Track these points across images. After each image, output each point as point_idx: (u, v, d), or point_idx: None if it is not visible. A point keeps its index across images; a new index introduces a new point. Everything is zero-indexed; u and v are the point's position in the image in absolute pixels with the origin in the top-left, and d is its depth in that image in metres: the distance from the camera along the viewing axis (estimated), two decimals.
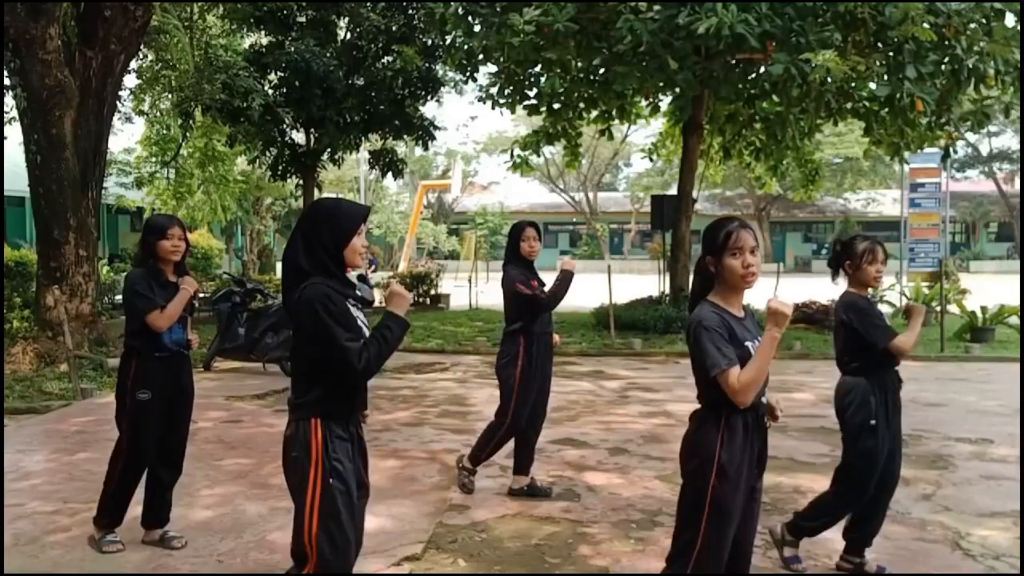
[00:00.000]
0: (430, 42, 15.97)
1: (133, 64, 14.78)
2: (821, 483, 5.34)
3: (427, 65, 16.03)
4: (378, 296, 19.09)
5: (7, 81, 10.80)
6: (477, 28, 11.47)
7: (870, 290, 3.99)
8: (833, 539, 4.29)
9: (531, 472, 5.26)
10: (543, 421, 5.32)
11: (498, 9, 10.71)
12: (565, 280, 5.00)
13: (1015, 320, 12.75)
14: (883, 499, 3.98)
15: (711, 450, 2.74)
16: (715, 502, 2.72)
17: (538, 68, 12.16)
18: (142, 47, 14.01)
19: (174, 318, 4.15)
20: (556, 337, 5.32)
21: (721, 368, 2.67)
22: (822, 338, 12.38)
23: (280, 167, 16.90)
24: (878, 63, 10.24)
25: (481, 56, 11.86)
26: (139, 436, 4.16)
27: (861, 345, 3.86)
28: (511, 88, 12.41)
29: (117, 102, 13.46)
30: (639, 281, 19.86)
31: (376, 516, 4.79)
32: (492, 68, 12.64)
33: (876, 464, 3.85)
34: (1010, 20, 10.66)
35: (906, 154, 13.45)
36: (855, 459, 3.89)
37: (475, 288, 18.93)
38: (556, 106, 13.12)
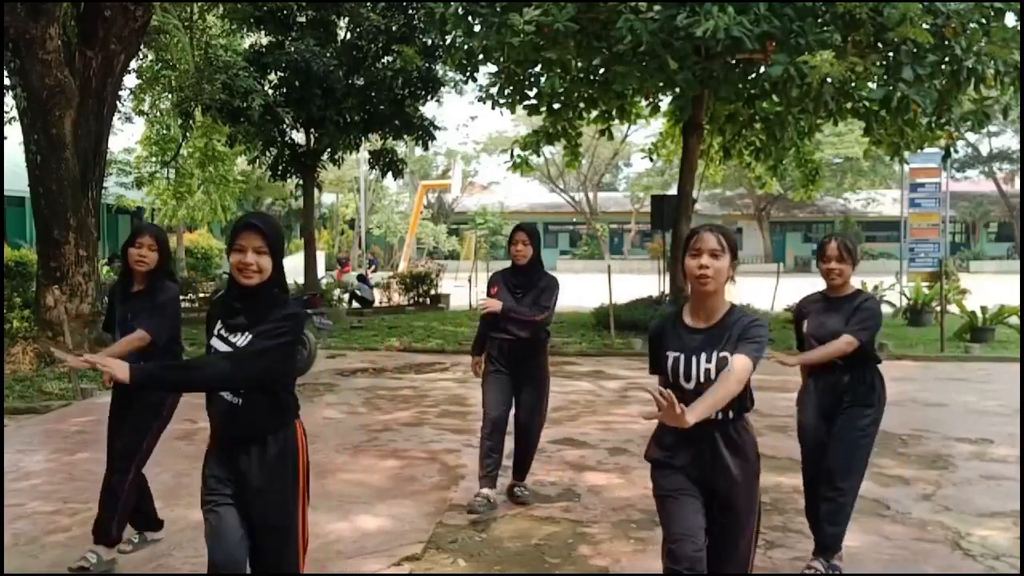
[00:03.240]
0: (430, 42, 15.97)
1: (133, 64, 14.78)
2: None
3: (427, 65, 16.03)
4: (378, 296, 19.17)
5: (7, 81, 10.80)
6: (477, 28, 11.46)
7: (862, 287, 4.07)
8: None
9: (519, 480, 5.13)
10: (529, 427, 5.03)
11: (498, 9, 10.71)
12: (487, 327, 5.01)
13: (1015, 320, 12.74)
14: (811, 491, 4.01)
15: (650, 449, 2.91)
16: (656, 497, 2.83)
17: (538, 68, 12.15)
18: (142, 47, 14.01)
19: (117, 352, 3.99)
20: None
21: (650, 371, 2.86)
22: None
23: (280, 167, 16.90)
24: (876, 64, 10.24)
25: (481, 56, 11.85)
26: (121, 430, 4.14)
27: None
28: (511, 88, 12.41)
29: (117, 102, 13.46)
30: (639, 281, 19.85)
31: (376, 516, 4.80)
32: (492, 68, 12.64)
33: (803, 448, 4.06)
34: (1010, 20, 10.66)
35: (906, 154, 13.46)
36: None
37: (475, 288, 18.91)
38: (556, 106, 13.12)
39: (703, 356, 2.70)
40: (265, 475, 2.75)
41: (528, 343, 4.92)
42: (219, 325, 2.78)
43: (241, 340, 2.71)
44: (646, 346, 3.00)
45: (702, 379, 2.70)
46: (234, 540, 2.72)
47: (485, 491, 4.88)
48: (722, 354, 2.69)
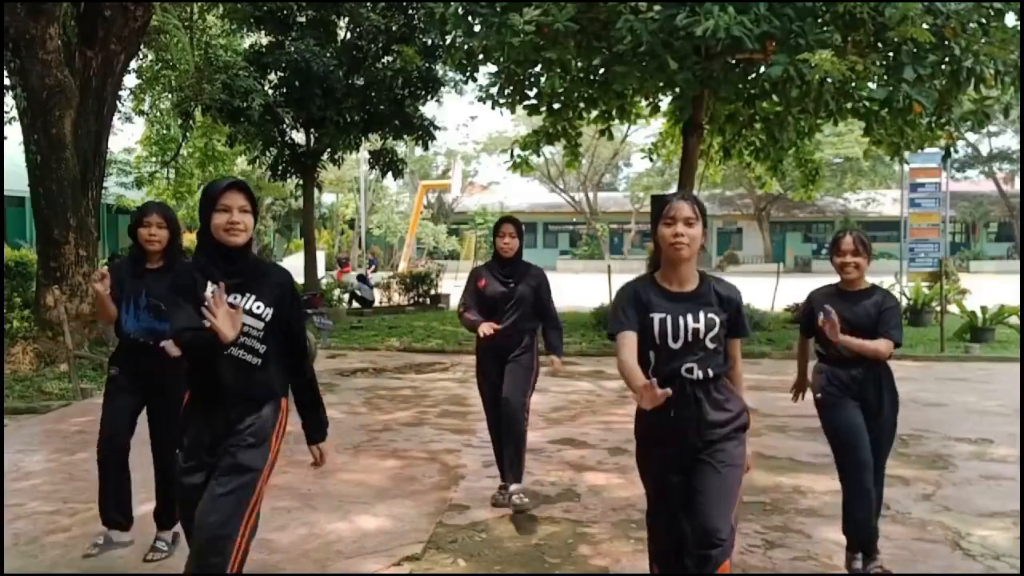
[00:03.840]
0: (430, 42, 15.98)
1: (133, 64, 14.78)
2: (821, 483, 5.35)
3: (427, 65, 16.03)
4: (378, 296, 19.16)
5: (7, 81, 10.79)
6: (477, 28, 11.46)
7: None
8: (838, 539, 4.30)
9: (515, 482, 4.87)
10: (513, 408, 4.83)
11: (498, 9, 10.70)
12: (471, 327, 4.89)
13: (1015, 320, 12.74)
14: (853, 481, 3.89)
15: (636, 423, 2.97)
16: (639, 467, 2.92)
17: (538, 68, 12.14)
18: (142, 47, 14.01)
19: (105, 316, 4.10)
20: (555, 361, 5.01)
21: (614, 330, 2.82)
22: None
23: (280, 167, 16.91)
24: (877, 63, 10.24)
25: (481, 56, 11.85)
26: (103, 413, 4.10)
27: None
28: (511, 88, 12.40)
29: (117, 102, 13.46)
30: None
31: (376, 516, 4.80)
32: (492, 68, 12.63)
33: (835, 438, 3.89)
34: (1010, 20, 10.66)
35: (906, 154, 13.45)
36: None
37: None
38: (556, 106, 13.11)
39: (690, 316, 2.79)
40: (250, 424, 2.85)
41: (524, 332, 4.95)
42: (212, 285, 2.76)
43: (241, 300, 2.79)
44: None
45: (689, 338, 2.79)
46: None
47: (513, 486, 4.81)
48: (710, 315, 2.80)
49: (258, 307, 2.84)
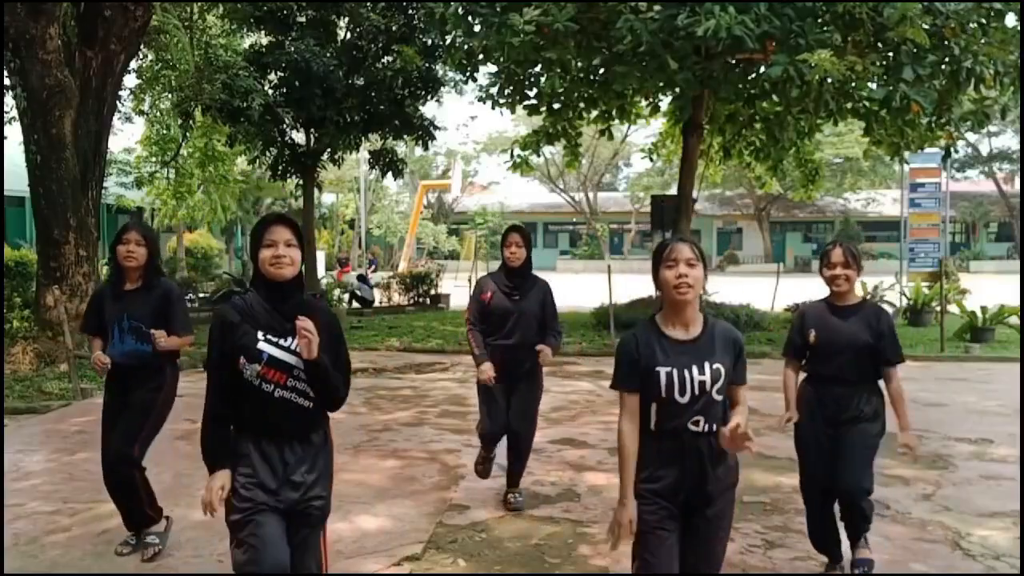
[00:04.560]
0: (430, 42, 15.96)
1: (133, 64, 14.78)
2: None
3: (427, 65, 16.02)
4: (378, 296, 19.16)
5: (7, 81, 10.79)
6: (477, 28, 11.45)
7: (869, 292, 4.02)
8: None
9: (518, 484, 5.01)
10: (520, 434, 4.90)
11: (498, 9, 10.70)
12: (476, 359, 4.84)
13: (1015, 320, 12.74)
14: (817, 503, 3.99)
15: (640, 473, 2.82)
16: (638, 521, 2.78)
17: (538, 68, 12.14)
18: (142, 47, 14.01)
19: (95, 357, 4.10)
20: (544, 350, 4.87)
21: (616, 386, 2.79)
22: None
23: (280, 167, 16.90)
24: (876, 63, 10.23)
25: (481, 56, 11.84)
26: (102, 438, 4.18)
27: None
28: (511, 88, 12.40)
29: (117, 102, 13.45)
30: (639, 281, 19.81)
31: (376, 516, 4.80)
32: (492, 68, 12.63)
33: (803, 459, 4.03)
34: (1010, 20, 10.65)
35: (906, 154, 13.45)
36: None
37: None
38: (556, 106, 13.11)
39: (695, 369, 2.72)
40: (312, 459, 2.84)
41: (529, 349, 4.83)
42: (260, 331, 2.76)
43: (293, 342, 2.74)
44: None
45: (696, 391, 2.71)
46: (282, 546, 2.75)
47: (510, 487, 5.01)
48: (715, 366, 2.73)
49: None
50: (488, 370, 4.70)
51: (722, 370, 2.74)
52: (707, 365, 2.72)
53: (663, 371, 2.71)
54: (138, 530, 4.22)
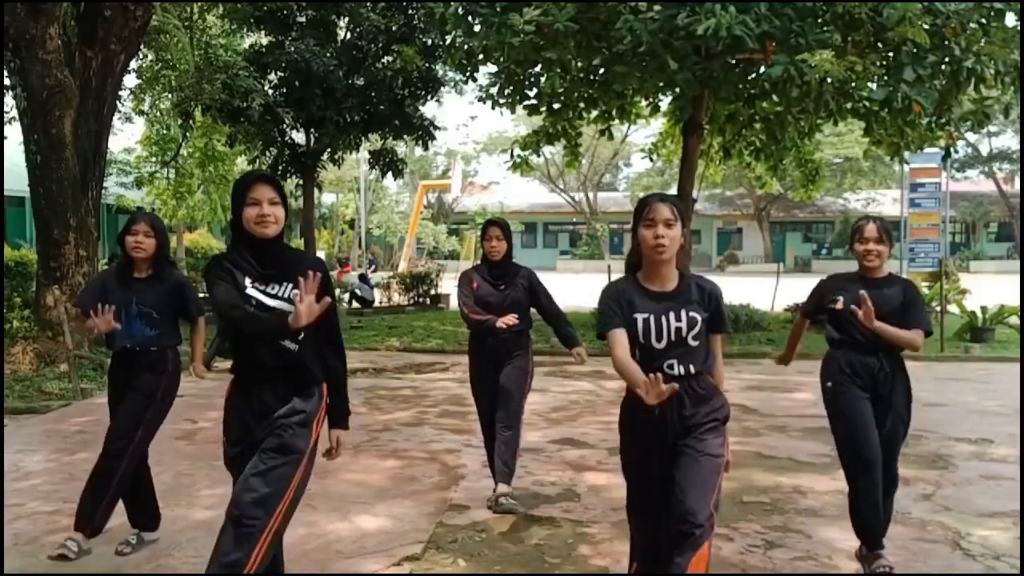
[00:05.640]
0: (430, 42, 15.96)
1: (133, 64, 14.78)
2: (821, 483, 5.36)
3: (427, 65, 16.02)
4: (378, 296, 19.15)
5: (7, 81, 10.79)
6: (477, 28, 11.45)
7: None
8: (838, 539, 4.30)
9: (506, 483, 4.87)
10: (506, 429, 4.84)
11: (498, 9, 10.70)
12: (486, 324, 4.82)
13: (1015, 320, 12.75)
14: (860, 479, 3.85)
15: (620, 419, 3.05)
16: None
17: (538, 68, 12.14)
18: (142, 47, 14.01)
19: (88, 329, 4.08)
20: (580, 351, 5.10)
21: (604, 329, 2.90)
22: (822, 338, 12.37)
23: (280, 167, 16.90)
24: (876, 64, 10.24)
25: (481, 56, 11.84)
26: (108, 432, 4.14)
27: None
28: (511, 88, 12.40)
29: (117, 102, 13.45)
30: None
31: (376, 516, 4.80)
32: (492, 68, 12.63)
33: (845, 427, 3.85)
34: (1010, 20, 10.65)
35: (906, 154, 13.44)
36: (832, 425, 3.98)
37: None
38: (556, 106, 13.11)
39: (672, 315, 2.87)
40: (292, 407, 2.88)
41: (517, 333, 4.91)
42: (248, 279, 2.84)
43: (280, 290, 2.85)
44: None
45: (672, 337, 2.86)
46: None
47: (501, 487, 4.84)
48: (691, 314, 2.88)
49: (295, 294, 2.84)
50: (507, 319, 4.73)
51: (698, 318, 2.88)
52: (683, 312, 2.87)
53: (640, 317, 2.86)
54: (139, 527, 4.23)
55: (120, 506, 4.22)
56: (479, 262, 5.07)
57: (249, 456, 2.86)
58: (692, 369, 2.88)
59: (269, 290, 2.85)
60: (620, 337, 2.86)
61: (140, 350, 4.12)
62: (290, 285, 2.86)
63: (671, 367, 2.86)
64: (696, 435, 2.89)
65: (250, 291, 2.83)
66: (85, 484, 4.11)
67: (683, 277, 2.95)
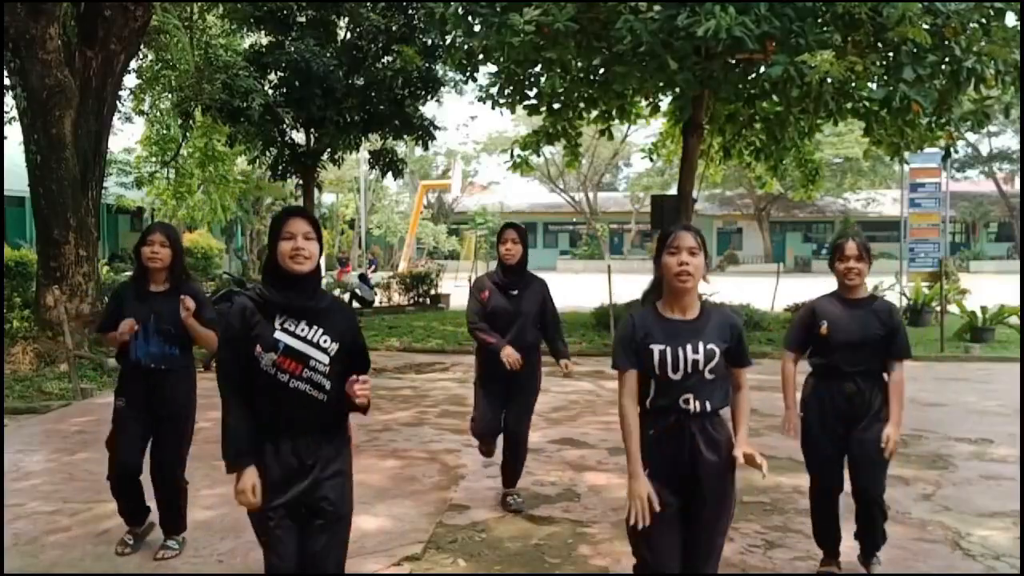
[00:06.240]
0: (430, 42, 15.96)
1: (133, 64, 14.78)
2: None
3: (427, 65, 16.02)
4: (378, 296, 19.16)
5: (7, 81, 10.79)
6: (477, 28, 11.45)
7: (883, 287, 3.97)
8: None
9: (515, 485, 4.99)
10: (517, 433, 4.88)
11: (498, 9, 10.69)
12: (492, 350, 4.73)
13: (1015, 320, 12.74)
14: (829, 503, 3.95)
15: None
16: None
17: (538, 68, 12.13)
18: (142, 47, 14.01)
19: (113, 341, 4.07)
20: (565, 364, 4.86)
21: (615, 365, 2.87)
22: None
23: (280, 167, 16.90)
24: (876, 64, 10.23)
25: (481, 56, 11.84)
26: (115, 442, 4.12)
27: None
28: (511, 88, 12.39)
29: (117, 102, 13.46)
30: (639, 281, 19.83)
31: (376, 516, 4.80)
32: (492, 68, 12.62)
33: (810, 457, 3.95)
34: (1010, 20, 10.65)
35: (906, 154, 13.44)
36: None
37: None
38: (556, 106, 13.10)
39: (689, 348, 2.81)
40: (335, 459, 2.84)
41: (528, 349, 4.80)
42: (279, 319, 2.76)
43: (311, 333, 2.76)
44: None
45: (689, 369, 2.80)
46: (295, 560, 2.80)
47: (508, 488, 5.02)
48: (709, 346, 2.82)
49: (324, 340, 2.77)
50: (513, 353, 4.64)
51: (716, 351, 2.82)
52: (701, 345, 2.82)
53: (657, 348, 2.81)
54: (167, 532, 4.24)
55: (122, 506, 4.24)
56: (494, 268, 4.96)
57: (284, 515, 2.78)
58: (708, 407, 2.81)
59: (299, 332, 2.75)
60: (629, 380, 2.83)
61: (165, 369, 4.08)
62: (320, 330, 2.77)
63: (687, 402, 2.79)
64: (711, 494, 2.82)
65: (278, 334, 2.74)
66: (157, 508, 4.24)
67: (704, 307, 2.92)
